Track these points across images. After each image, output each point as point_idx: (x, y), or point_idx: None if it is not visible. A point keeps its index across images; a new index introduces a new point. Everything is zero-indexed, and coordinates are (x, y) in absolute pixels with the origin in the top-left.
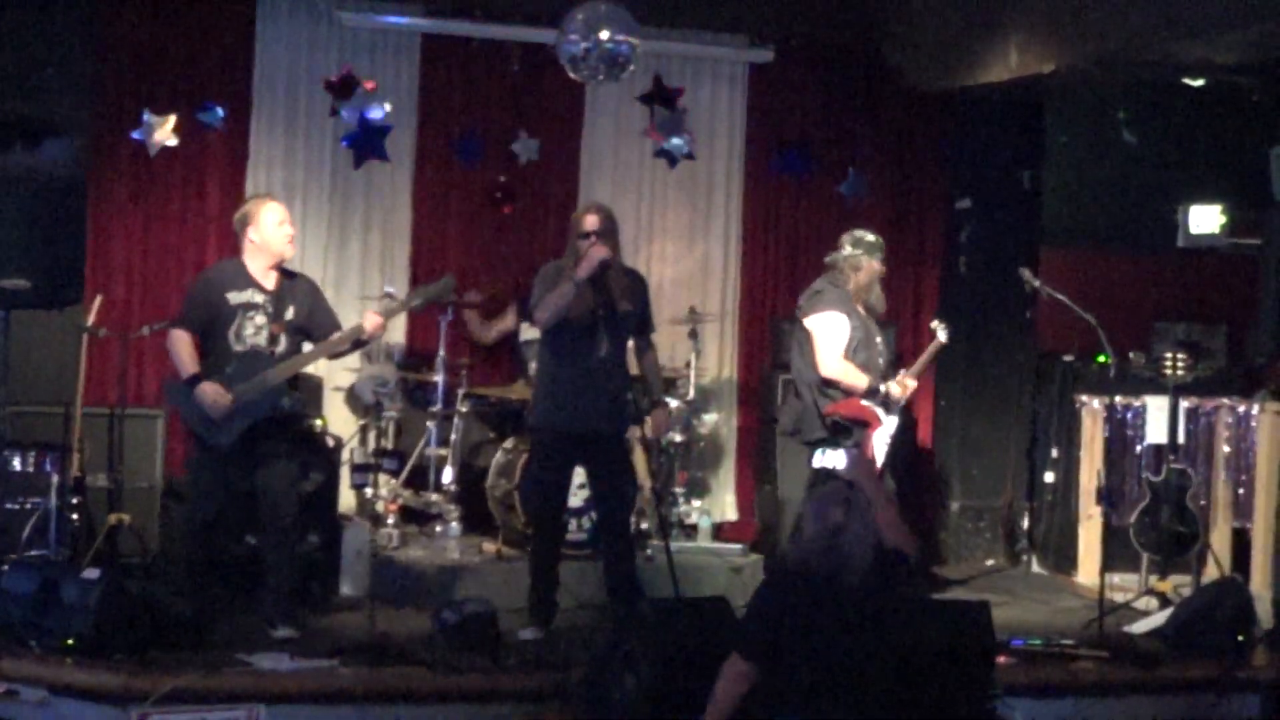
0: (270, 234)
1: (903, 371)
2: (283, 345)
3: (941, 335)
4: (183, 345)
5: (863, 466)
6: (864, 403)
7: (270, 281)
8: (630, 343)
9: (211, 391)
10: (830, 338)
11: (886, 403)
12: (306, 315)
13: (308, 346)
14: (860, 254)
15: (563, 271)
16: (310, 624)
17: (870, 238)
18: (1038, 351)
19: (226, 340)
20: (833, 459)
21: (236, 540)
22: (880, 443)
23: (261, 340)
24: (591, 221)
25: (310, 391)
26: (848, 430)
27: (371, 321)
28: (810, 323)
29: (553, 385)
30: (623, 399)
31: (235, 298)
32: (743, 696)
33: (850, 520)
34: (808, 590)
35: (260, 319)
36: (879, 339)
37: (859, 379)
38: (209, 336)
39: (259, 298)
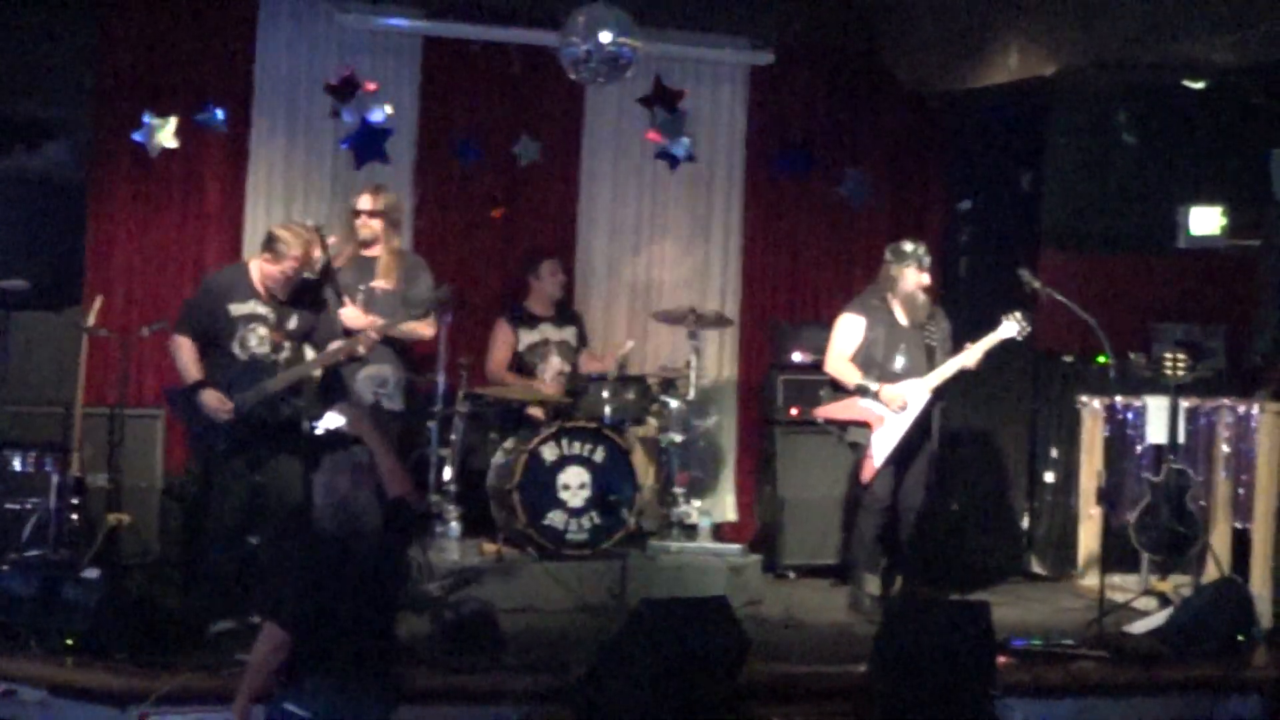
0: (275, 275)
1: (911, 380)
2: (285, 353)
3: (1005, 330)
4: (185, 352)
5: (361, 420)
6: (862, 403)
7: (278, 294)
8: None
9: (214, 399)
10: (837, 337)
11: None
12: (309, 324)
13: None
14: (892, 262)
15: None
16: None
17: (906, 246)
18: (1038, 352)
19: (230, 349)
20: (332, 420)
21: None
22: (884, 441)
23: (265, 349)
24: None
25: (310, 392)
26: (848, 429)
27: (368, 342)
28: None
29: None
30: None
31: (236, 309)
32: (280, 664)
33: (357, 488)
34: (330, 556)
35: (262, 330)
36: (905, 344)
37: (850, 376)
38: (210, 344)
39: (261, 308)
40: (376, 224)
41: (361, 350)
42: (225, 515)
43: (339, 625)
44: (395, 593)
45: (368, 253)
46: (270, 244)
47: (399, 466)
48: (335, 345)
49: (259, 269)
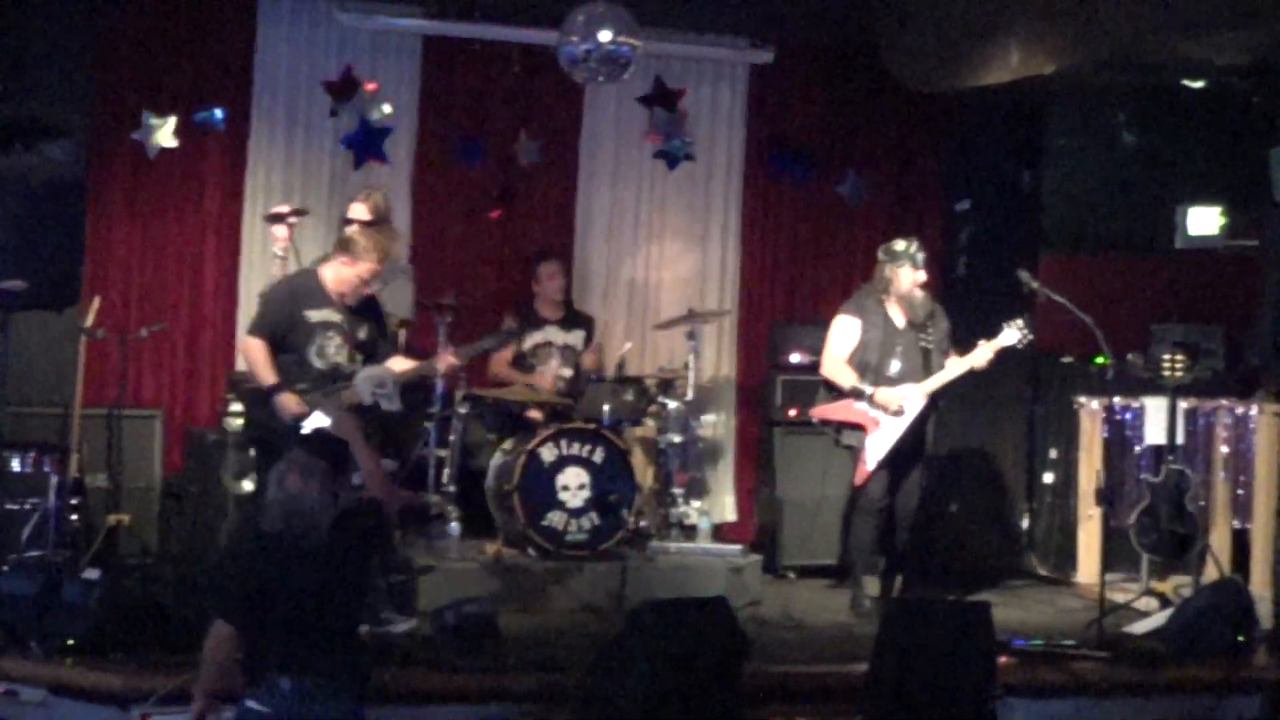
0: (349, 279)
1: (907, 385)
2: (357, 364)
3: (1006, 337)
4: (260, 353)
5: (346, 423)
6: (857, 406)
7: (347, 301)
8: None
9: (292, 402)
10: (833, 339)
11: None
12: (374, 336)
13: None
14: (886, 262)
15: None
16: None
17: (898, 246)
18: (1036, 353)
19: (307, 356)
20: (319, 420)
21: None
22: (878, 445)
23: (343, 358)
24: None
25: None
26: (842, 430)
27: (445, 363)
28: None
29: None
30: None
31: (314, 316)
32: (230, 656)
33: (308, 485)
34: (278, 552)
35: (338, 338)
36: (901, 347)
37: (845, 379)
38: (284, 349)
39: (336, 316)
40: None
41: (440, 370)
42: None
43: (292, 622)
44: (358, 595)
45: None
46: (347, 246)
47: (380, 470)
48: (411, 365)
49: (334, 273)
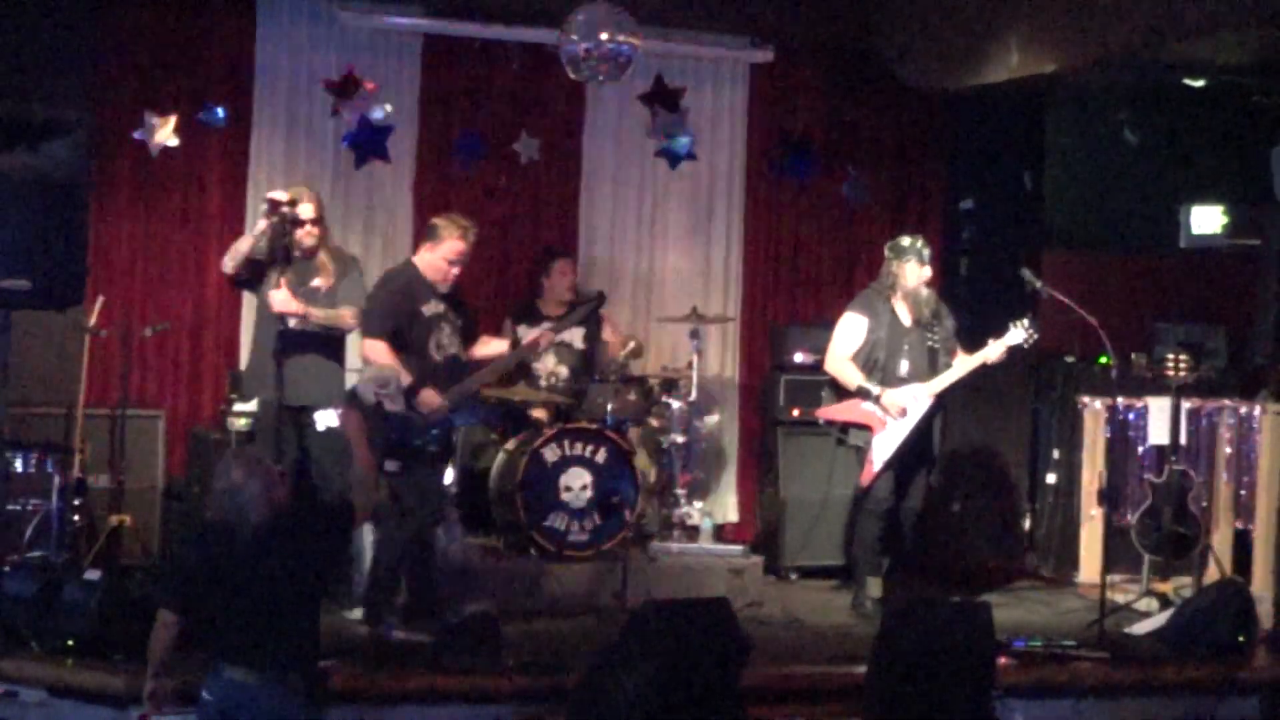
0: (437, 264)
1: (914, 385)
2: (464, 352)
3: (1012, 337)
4: (386, 354)
5: (351, 422)
6: (864, 406)
7: (442, 289)
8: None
9: (433, 398)
10: (838, 336)
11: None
12: (468, 325)
13: None
14: (892, 258)
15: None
16: None
17: (904, 241)
18: (1039, 352)
19: (426, 350)
20: (329, 418)
21: None
22: (884, 445)
23: (456, 348)
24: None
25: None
26: (849, 430)
27: (546, 339)
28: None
29: None
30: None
31: (427, 309)
32: (174, 641)
33: (249, 480)
34: (214, 542)
35: (448, 329)
36: (909, 346)
37: (851, 378)
38: (401, 346)
39: (441, 307)
40: (318, 230)
41: (542, 348)
42: (424, 516)
43: (232, 612)
44: (311, 594)
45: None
46: (430, 233)
47: (373, 475)
48: (504, 347)
49: (423, 262)
